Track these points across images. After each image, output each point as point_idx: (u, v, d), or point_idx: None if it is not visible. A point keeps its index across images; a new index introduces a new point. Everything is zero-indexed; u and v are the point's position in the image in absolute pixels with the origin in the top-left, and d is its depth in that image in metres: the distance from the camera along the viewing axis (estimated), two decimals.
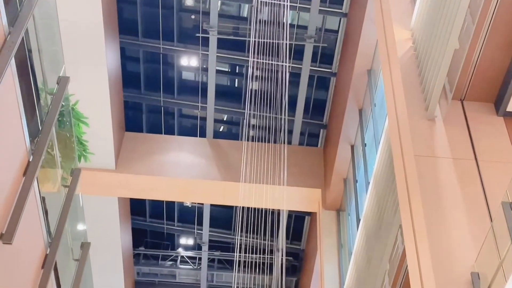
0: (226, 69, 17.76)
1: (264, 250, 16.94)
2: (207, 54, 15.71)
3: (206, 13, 15.37)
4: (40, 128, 5.25)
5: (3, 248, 4.52)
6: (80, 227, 7.50)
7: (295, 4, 14.73)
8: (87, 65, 13.08)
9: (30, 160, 4.98)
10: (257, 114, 15.74)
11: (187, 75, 17.41)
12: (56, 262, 5.72)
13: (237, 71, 17.66)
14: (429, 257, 7.12)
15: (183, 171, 16.14)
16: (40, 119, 5.38)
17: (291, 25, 15.45)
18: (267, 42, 14.00)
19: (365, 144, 13.32)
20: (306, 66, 15.67)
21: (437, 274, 6.91)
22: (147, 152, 16.18)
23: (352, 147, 14.57)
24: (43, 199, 5.54)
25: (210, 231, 19.40)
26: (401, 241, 9.12)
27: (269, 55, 14.07)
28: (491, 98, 8.40)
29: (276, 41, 14.07)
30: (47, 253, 5.40)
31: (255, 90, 15.11)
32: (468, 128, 8.22)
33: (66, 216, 5.77)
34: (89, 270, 7.67)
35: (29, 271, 5.19)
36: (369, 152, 12.95)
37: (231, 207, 18.08)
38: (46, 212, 5.64)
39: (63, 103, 5.87)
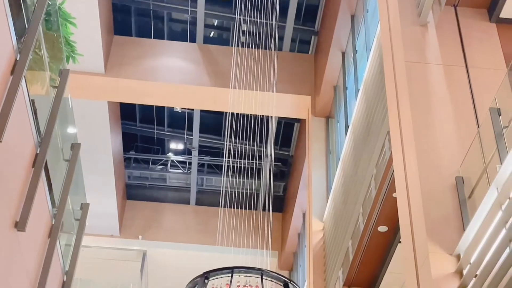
0: None
1: (253, 155, 17.14)
2: None
3: None
4: (27, 27, 5.16)
5: None
6: (70, 129, 7.52)
7: None
8: None
9: (17, 58, 4.92)
10: (247, 20, 15.49)
11: None
12: (46, 162, 5.77)
13: None
14: (415, 162, 7.25)
15: (173, 76, 16.06)
16: (26, 17, 5.29)
17: None
18: None
19: (356, 51, 13.23)
20: None
21: (422, 178, 7.05)
22: (136, 56, 16.02)
23: (343, 54, 14.48)
24: (32, 101, 5.52)
25: (200, 137, 19.55)
26: (388, 147, 9.24)
27: None
28: (485, 4, 8.29)
29: None
30: (37, 152, 5.44)
31: None
32: (460, 35, 8.16)
33: (56, 116, 5.77)
34: (80, 172, 7.74)
35: (20, 170, 5.24)
36: (360, 59, 12.88)
37: (221, 113, 18.13)
38: (35, 113, 5.63)
39: (49, 1, 5.75)
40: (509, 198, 5.38)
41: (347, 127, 13.15)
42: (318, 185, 14.57)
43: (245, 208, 16.09)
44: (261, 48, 15.21)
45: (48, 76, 6.38)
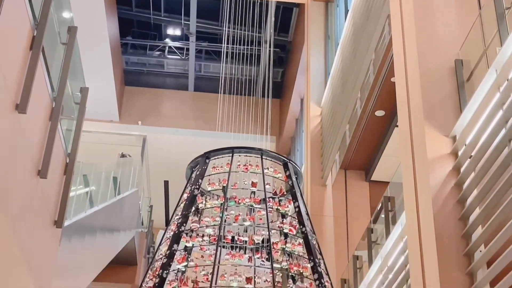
0: None
1: (251, 41, 16.97)
2: None
3: None
4: None
5: None
6: (66, 13, 7.39)
7: None
8: None
9: None
10: None
11: None
12: (43, 46, 5.71)
13: None
14: (414, 45, 7.21)
15: None
16: None
17: None
18: None
19: None
20: None
21: (421, 62, 7.04)
22: None
23: None
24: None
25: (197, 22, 19.24)
26: (388, 31, 9.14)
27: None
28: None
29: None
30: (34, 35, 5.38)
31: None
32: None
33: None
34: (77, 56, 7.67)
35: (18, 52, 5.21)
36: None
37: None
38: None
39: None
40: (507, 80, 5.40)
41: (346, 11, 12.95)
42: (316, 71, 14.55)
43: (244, 94, 16.13)
44: None
45: None
